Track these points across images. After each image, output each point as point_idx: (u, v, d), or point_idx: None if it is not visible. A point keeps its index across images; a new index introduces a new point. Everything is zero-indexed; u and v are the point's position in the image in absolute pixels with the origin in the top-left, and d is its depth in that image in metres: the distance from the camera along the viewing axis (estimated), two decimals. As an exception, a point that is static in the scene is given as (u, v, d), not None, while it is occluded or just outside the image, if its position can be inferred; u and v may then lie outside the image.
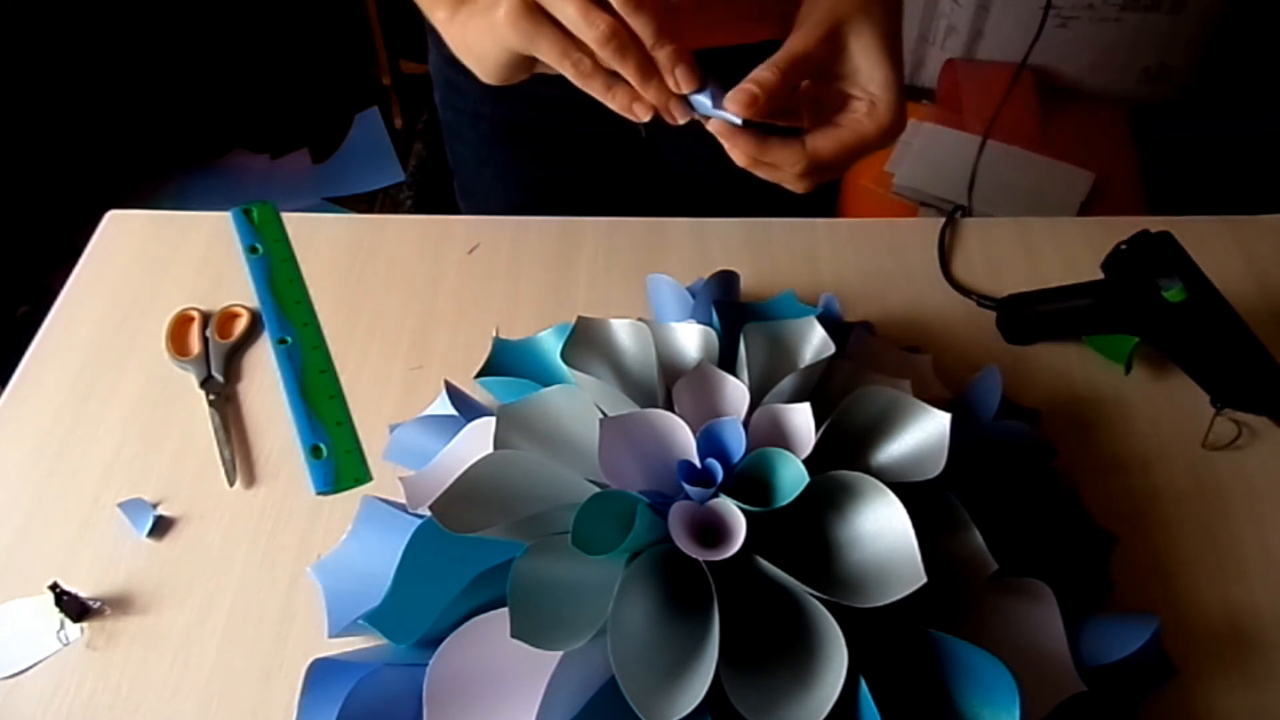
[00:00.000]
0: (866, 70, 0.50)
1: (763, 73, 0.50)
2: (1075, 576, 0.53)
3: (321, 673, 0.48)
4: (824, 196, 0.94)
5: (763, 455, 0.48)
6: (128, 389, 0.66)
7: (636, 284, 0.71)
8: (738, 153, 0.51)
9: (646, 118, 0.51)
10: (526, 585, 0.45)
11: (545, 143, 0.84)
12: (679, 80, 0.48)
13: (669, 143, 0.85)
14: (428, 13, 0.59)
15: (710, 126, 0.51)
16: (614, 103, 0.51)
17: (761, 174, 0.53)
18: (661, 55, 0.48)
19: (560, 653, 0.44)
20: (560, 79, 0.50)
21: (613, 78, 0.50)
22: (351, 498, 0.60)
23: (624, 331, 0.58)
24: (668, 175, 0.90)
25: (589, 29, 0.47)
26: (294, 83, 2.11)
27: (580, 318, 0.59)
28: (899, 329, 0.68)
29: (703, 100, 0.51)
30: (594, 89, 0.51)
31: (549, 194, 0.88)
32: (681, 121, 0.51)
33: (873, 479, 0.47)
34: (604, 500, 0.46)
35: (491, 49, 0.52)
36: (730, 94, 0.50)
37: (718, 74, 0.50)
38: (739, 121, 0.50)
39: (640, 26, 0.47)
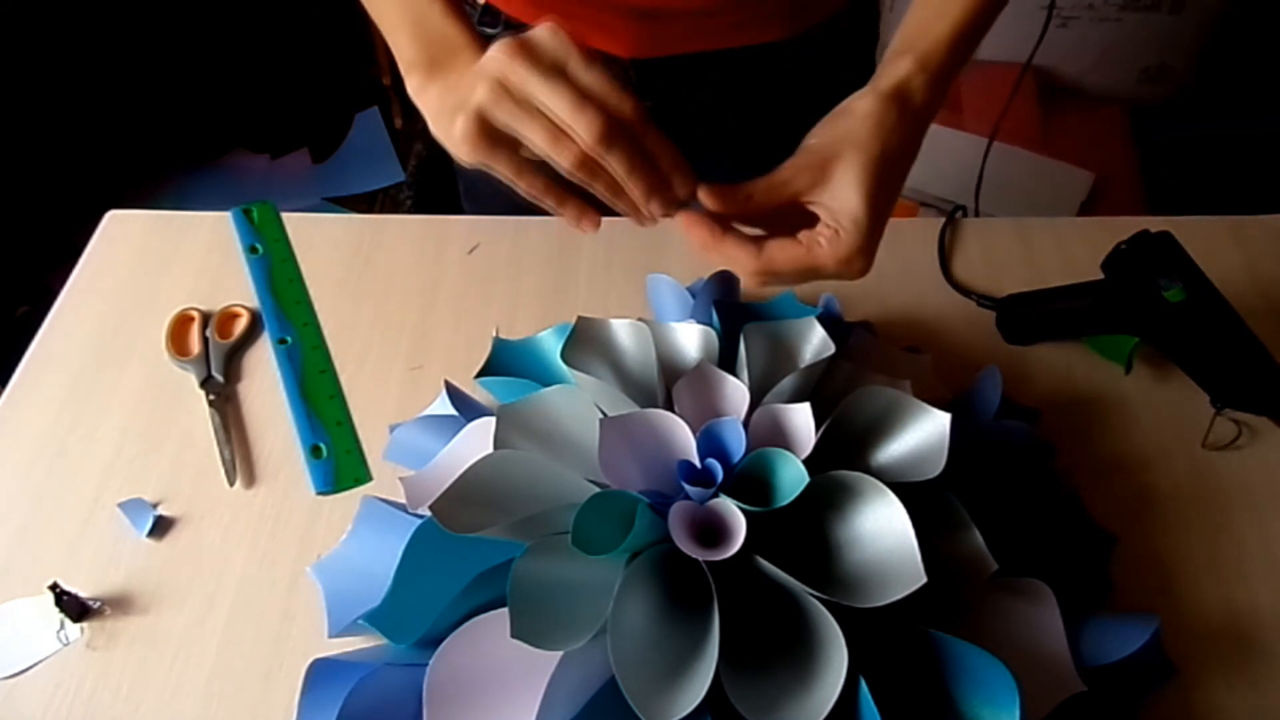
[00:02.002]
0: (842, 202, 0.48)
1: (737, 192, 0.49)
2: (1075, 576, 0.53)
3: (321, 673, 0.48)
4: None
5: (763, 455, 0.48)
6: (128, 389, 0.66)
7: (636, 284, 0.71)
8: (694, 237, 0.49)
9: (594, 230, 0.51)
10: (526, 585, 0.45)
11: None
12: (678, 188, 0.48)
13: (679, 145, 0.85)
14: (403, 74, 0.55)
15: (680, 216, 0.50)
16: (565, 215, 0.50)
17: (714, 260, 0.51)
18: (667, 163, 0.47)
19: (560, 653, 0.44)
20: None
21: (565, 190, 0.49)
22: (351, 498, 0.60)
23: (624, 331, 0.58)
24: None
25: (558, 155, 0.45)
26: (294, 83, 2.11)
27: (580, 318, 0.59)
28: (899, 329, 0.68)
29: None
30: (548, 205, 0.50)
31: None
32: (658, 218, 0.50)
33: (873, 479, 0.47)
34: (604, 500, 0.46)
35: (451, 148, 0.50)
36: (702, 188, 0.49)
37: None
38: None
39: (617, 162, 0.45)
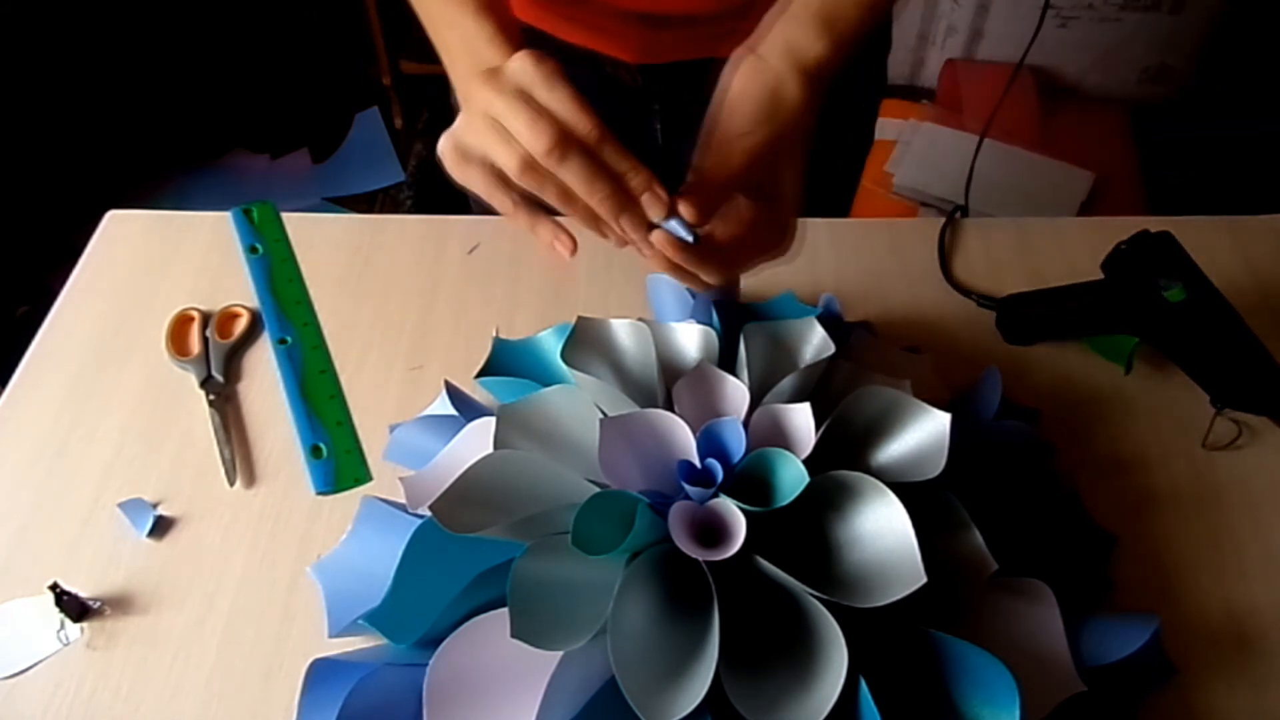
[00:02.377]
0: (784, 193, 0.52)
1: (700, 193, 0.49)
2: (1075, 576, 0.53)
3: (321, 673, 0.48)
4: (831, 197, 0.95)
5: (763, 455, 0.48)
6: (128, 389, 0.66)
7: (636, 284, 0.71)
8: (669, 256, 0.50)
9: (570, 253, 0.51)
10: (526, 585, 0.45)
11: None
12: (649, 208, 0.48)
13: (687, 148, 0.85)
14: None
15: (653, 236, 0.49)
16: (538, 237, 0.51)
17: (669, 274, 0.52)
18: (634, 183, 0.47)
19: (560, 653, 0.44)
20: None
21: (538, 212, 0.50)
22: (351, 498, 0.60)
23: (624, 331, 0.58)
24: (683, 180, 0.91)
25: (505, 159, 0.47)
26: (294, 83, 2.11)
27: (580, 318, 0.59)
28: (899, 329, 0.68)
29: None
30: (519, 225, 0.51)
31: None
32: (632, 238, 0.50)
33: (873, 479, 0.47)
34: (604, 500, 0.46)
35: None
36: (682, 202, 0.48)
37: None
38: (689, 238, 0.49)
39: (573, 175, 0.46)
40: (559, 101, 0.46)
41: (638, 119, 0.81)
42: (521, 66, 0.46)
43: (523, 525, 0.48)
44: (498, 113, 0.46)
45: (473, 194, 0.50)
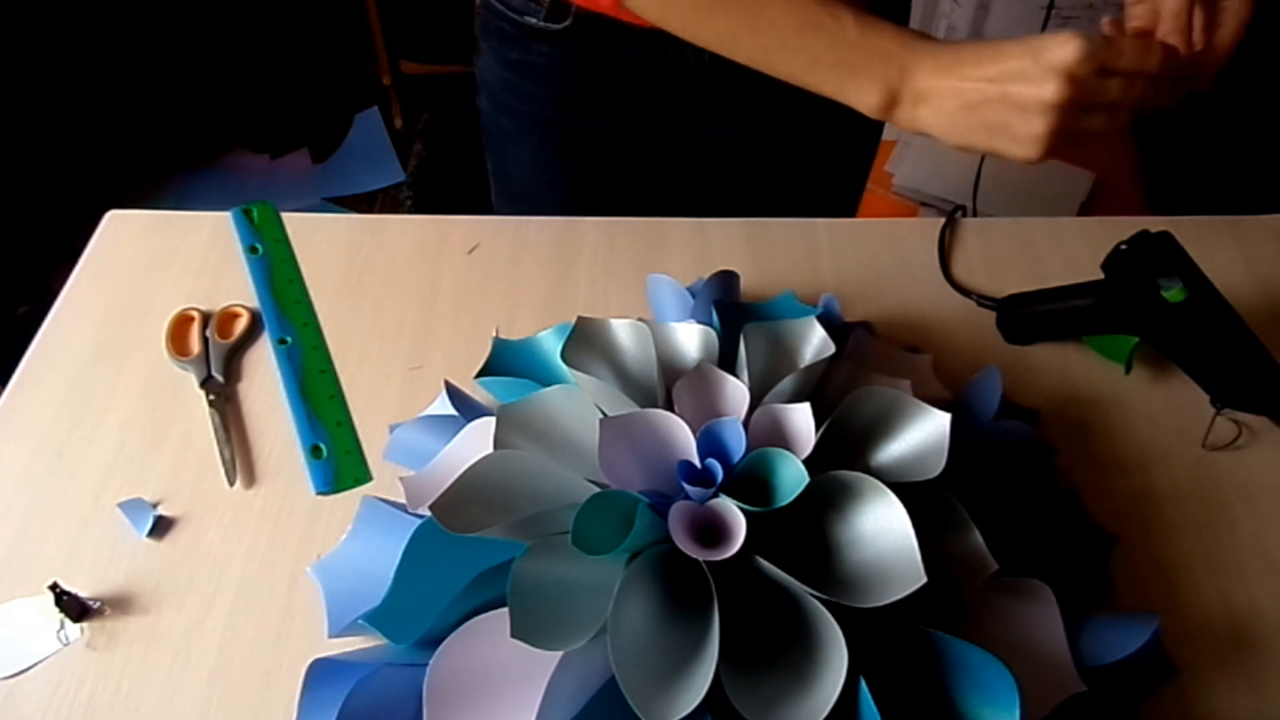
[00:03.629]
0: None
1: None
2: (1075, 576, 0.53)
3: (321, 673, 0.48)
4: (837, 196, 0.95)
5: (763, 455, 0.48)
6: (128, 389, 0.66)
7: (636, 284, 0.71)
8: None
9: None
10: (526, 585, 0.45)
11: (601, 145, 0.84)
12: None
13: (731, 132, 0.86)
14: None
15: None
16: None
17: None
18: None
19: (560, 653, 0.44)
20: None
21: None
22: (351, 498, 0.60)
23: (624, 331, 0.58)
24: (706, 175, 0.91)
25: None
26: (294, 83, 2.11)
27: (580, 318, 0.59)
28: (899, 329, 0.68)
29: None
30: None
31: (603, 198, 0.88)
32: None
33: (873, 479, 0.47)
34: (604, 500, 0.46)
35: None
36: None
37: None
38: None
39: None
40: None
41: (689, 103, 0.81)
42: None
43: (523, 525, 0.48)
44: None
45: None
